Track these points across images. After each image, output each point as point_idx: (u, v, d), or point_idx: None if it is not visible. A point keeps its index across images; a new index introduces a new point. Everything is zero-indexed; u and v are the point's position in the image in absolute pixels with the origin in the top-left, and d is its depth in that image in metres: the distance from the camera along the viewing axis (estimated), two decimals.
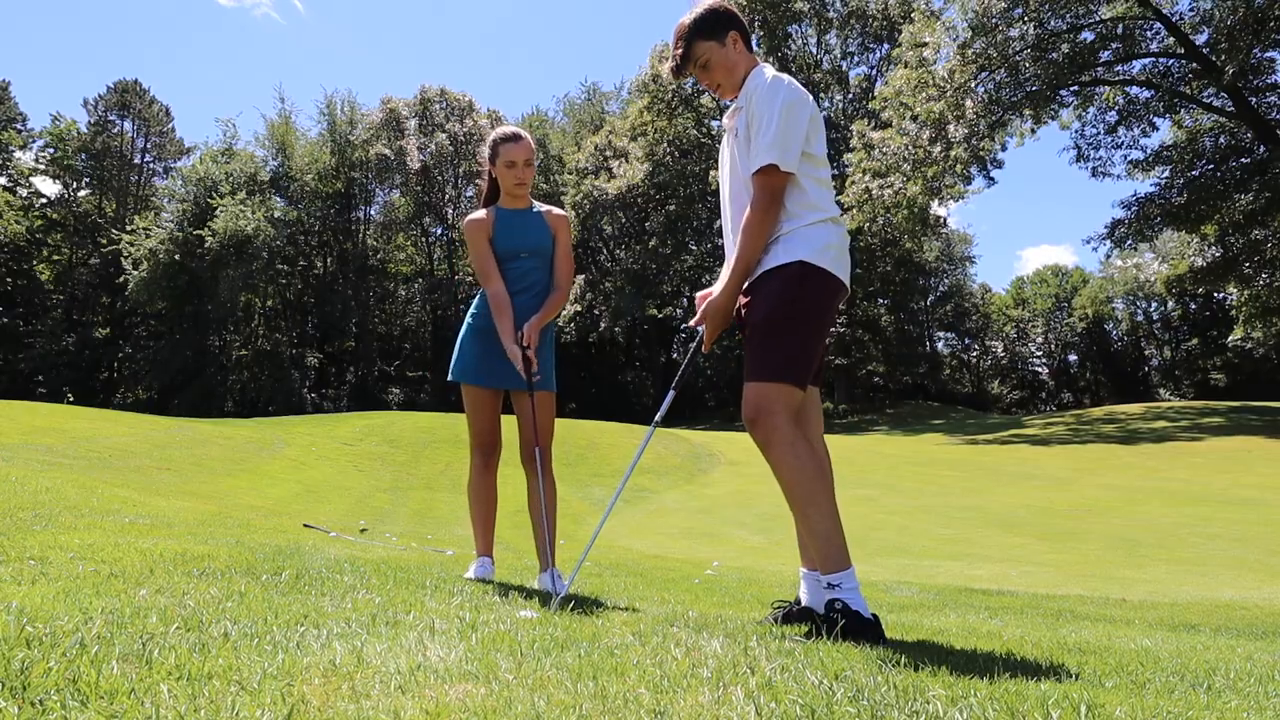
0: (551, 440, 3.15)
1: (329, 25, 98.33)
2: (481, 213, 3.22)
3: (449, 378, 3.26)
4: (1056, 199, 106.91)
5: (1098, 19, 22.65)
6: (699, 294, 2.45)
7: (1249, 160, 24.12)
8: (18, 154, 44.20)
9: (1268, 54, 22.07)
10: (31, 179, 44.97)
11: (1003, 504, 11.88)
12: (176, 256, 37.47)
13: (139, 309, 40.82)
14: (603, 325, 40.30)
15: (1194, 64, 22.40)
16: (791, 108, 2.21)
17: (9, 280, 41.58)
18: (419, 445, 17.32)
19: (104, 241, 42.28)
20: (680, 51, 2.38)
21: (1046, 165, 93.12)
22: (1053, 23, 22.86)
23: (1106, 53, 23.77)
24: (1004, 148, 27.56)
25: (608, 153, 40.53)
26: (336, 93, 53.01)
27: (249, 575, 2.29)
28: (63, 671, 1.06)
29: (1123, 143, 26.42)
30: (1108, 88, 24.96)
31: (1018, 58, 23.03)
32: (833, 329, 2.85)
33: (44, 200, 45.66)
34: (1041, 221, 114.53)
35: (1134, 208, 26.05)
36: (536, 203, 3.28)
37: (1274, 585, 6.35)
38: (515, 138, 3.16)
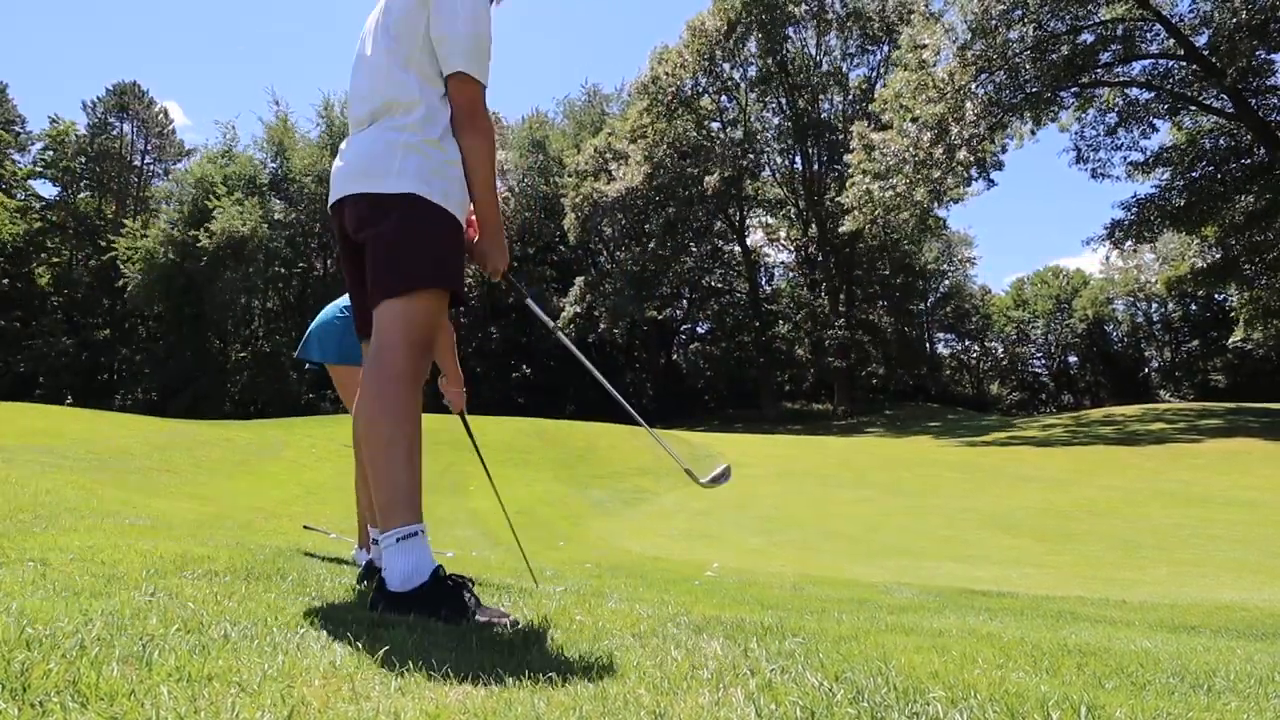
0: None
1: (329, 25, 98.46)
2: None
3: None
4: (1009, 206, 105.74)
5: (1097, 20, 22.67)
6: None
7: (1249, 162, 24.15)
8: (16, 156, 44.20)
9: (1269, 56, 22.09)
10: (29, 182, 44.93)
11: (1002, 505, 11.87)
12: (173, 256, 37.41)
13: (138, 311, 40.78)
14: (602, 326, 40.26)
15: (1194, 66, 22.40)
16: None
17: (6, 282, 41.52)
18: None
19: (103, 244, 42.29)
20: None
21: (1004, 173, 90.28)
22: (1052, 24, 22.88)
23: (1106, 54, 23.79)
24: (1004, 149, 27.64)
25: (607, 155, 40.48)
26: (335, 95, 52.97)
27: (249, 577, 2.29)
28: (63, 673, 1.06)
29: (1122, 144, 26.48)
30: (1107, 89, 24.97)
31: (1017, 59, 23.05)
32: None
33: (42, 202, 45.62)
34: (995, 232, 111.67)
35: (1134, 209, 26.08)
36: None
37: (1274, 587, 6.34)
38: None
